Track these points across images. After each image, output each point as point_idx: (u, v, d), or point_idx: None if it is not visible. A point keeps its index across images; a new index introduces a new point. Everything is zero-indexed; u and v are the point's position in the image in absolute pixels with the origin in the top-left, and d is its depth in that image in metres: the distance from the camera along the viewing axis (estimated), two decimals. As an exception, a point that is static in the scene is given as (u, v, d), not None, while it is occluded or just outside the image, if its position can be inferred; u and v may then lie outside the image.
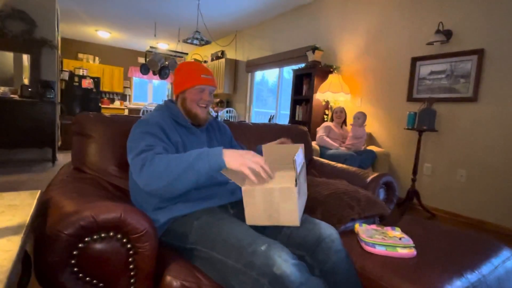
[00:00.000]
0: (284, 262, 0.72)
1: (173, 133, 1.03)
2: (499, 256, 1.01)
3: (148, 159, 0.87)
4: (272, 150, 1.06)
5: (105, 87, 7.28)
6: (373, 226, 1.10)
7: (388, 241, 0.96)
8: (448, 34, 2.64)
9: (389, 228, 1.08)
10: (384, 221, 1.41)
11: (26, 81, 3.80)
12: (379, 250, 0.95)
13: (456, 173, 2.64)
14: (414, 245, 0.96)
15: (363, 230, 1.06)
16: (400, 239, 0.98)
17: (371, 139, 3.32)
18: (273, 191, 0.82)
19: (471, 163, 2.55)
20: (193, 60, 7.03)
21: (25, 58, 3.79)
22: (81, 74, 6.26)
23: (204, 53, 7.02)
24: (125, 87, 7.83)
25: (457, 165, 2.64)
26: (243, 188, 0.85)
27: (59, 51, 4.80)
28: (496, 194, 2.40)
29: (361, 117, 3.00)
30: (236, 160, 0.81)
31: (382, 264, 0.88)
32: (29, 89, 3.67)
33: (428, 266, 0.87)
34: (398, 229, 1.07)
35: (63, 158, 4.10)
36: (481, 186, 2.49)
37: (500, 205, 2.37)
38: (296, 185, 0.81)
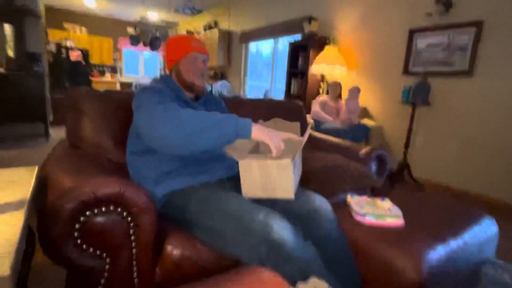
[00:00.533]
0: (282, 228, 0.76)
1: (175, 103, 1.03)
2: (480, 224, 1.07)
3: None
4: (270, 127, 1.07)
5: (94, 59, 7.02)
6: (364, 198, 1.14)
7: (378, 212, 1.01)
8: (447, 4, 2.57)
9: (379, 199, 1.13)
10: (375, 192, 1.47)
11: (10, 53, 3.64)
12: (369, 220, 1.00)
13: (447, 146, 2.70)
14: (402, 215, 1.01)
15: (355, 201, 1.10)
16: (389, 209, 1.03)
17: (365, 113, 3.34)
18: (270, 165, 0.85)
19: (462, 137, 2.60)
20: (184, 33, 6.77)
21: (7, 28, 3.60)
22: (68, 45, 6.00)
23: (196, 23, 6.74)
24: (115, 59, 7.57)
25: (448, 138, 2.69)
26: (240, 161, 0.87)
27: (44, 21, 4.56)
28: (485, 166, 2.48)
29: (355, 91, 3.00)
30: (263, 132, 0.84)
31: (371, 233, 0.94)
32: (15, 62, 3.54)
33: (415, 234, 0.92)
34: (387, 200, 1.12)
35: (57, 133, 4.05)
36: (471, 159, 2.56)
37: (488, 176, 2.46)
38: (292, 160, 0.84)
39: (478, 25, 2.42)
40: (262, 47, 5.37)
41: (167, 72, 1.16)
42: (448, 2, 2.57)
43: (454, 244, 0.91)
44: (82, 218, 0.74)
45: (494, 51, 2.38)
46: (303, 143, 0.91)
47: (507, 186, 2.35)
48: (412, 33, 2.86)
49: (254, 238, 0.76)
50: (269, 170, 0.86)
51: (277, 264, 0.74)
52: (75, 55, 5.84)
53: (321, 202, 0.96)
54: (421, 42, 2.82)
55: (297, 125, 1.06)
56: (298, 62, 3.77)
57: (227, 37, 5.71)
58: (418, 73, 2.75)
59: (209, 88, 5.34)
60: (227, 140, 0.84)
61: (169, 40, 1.13)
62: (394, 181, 2.77)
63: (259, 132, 0.84)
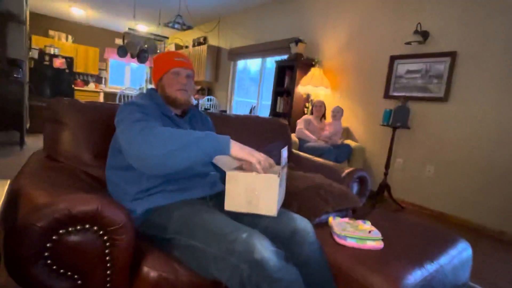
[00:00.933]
0: (264, 249, 0.75)
1: (158, 121, 1.02)
2: (456, 248, 1.10)
3: (149, 126, 0.86)
4: None
5: (78, 68, 6.90)
6: (346, 219, 1.15)
7: (359, 234, 1.02)
8: (425, 35, 2.74)
9: (360, 221, 1.14)
10: (356, 213, 1.49)
11: (-10, 58, 3.52)
12: (350, 242, 1.00)
13: (425, 168, 2.80)
14: (382, 238, 1.02)
15: (336, 223, 1.11)
16: (369, 232, 1.04)
17: (348, 133, 3.43)
18: (256, 178, 0.86)
19: (439, 159, 2.71)
20: (171, 48, 6.81)
21: (-11, 32, 3.50)
22: (52, 52, 5.89)
23: (185, 38, 6.82)
24: (100, 69, 7.46)
25: (426, 160, 2.80)
26: (228, 173, 0.87)
27: (28, 27, 4.47)
28: (459, 189, 2.58)
29: (339, 112, 3.08)
30: (243, 150, 0.86)
31: (352, 256, 0.94)
32: (-6, 67, 3.42)
33: (393, 258, 0.94)
34: (368, 222, 1.13)
35: (32, 142, 3.89)
36: (447, 181, 2.66)
37: (463, 199, 2.56)
38: (279, 176, 0.85)
39: (452, 55, 2.59)
40: (250, 64, 5.47)
41: (154, 85, 1.16)
42: (426, 33, 2.74)
43: (431, 268, 0.93)
44: (54, 237, 0.70)
45: (467, 80, 2.54)
46: (281, 169, 0.92)
47: (481, 208, 2.45)
48: (392, 59, 3.02)
49: (236, 258, 0.75)
50: (255, 184, 0.86)
51: (258, 285, 0.72)
52: (58, 63, 5.73)
53: (303, 224, 0.96)
54: (401, 68, 2.97)
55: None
56: (284, 80, 3.86)
57: (215, 53, 5.79)
58: (398, 97, 2.87)
59: (195, 102, 5.34)
60: (206, 158, 0.83)
61: (155, 57, 1.15)
62: (374, 201, 2.82)
63: (238, 149, 0.85)
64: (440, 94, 2.69)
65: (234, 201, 0.89)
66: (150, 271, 0.80)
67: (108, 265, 0.77)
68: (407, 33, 2.86)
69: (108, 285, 0.78)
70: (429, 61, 2.76)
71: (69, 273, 0.74)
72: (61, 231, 0.71)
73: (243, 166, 0.96)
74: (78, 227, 0.73)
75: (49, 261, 0.71)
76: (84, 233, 0.74)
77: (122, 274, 0.79)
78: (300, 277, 0.80)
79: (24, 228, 0.67)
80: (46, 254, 0.70)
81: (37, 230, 0.68)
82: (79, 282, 0.75)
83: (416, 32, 2.75)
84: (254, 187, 0.87)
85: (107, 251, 0.77)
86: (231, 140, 0.86)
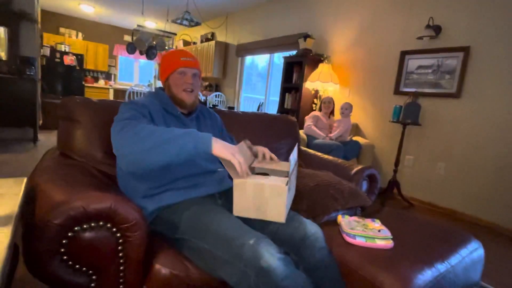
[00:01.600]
0: (271, 256, 0.75)
1: (159, 119, 1.03)
2: (467, 247, 1.09)
3: (131, 124, 0.87)
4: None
5: (88, 65, 6.99)
6: (355, 218, 1.15)
7: (368, 233, 1.02)
8: (437, 29, 2.68)
9: (369, 220, 1.14)
10: (365, 211, 1.48)
11: (3, 55, 3.60)
12: (359, 241, 1.00)
13: (436, 166, 2.76)
14: (391, 237, 1.01)
15: (345, 221, 1.11)
16: (379, 231, 1.04)
17: (357, 130, 3.39)
18: (264, 187, 0.86)
19: (450, 157, 2.66)
20: (179, 45, 6.82)
21: (2, 31, 3.58)
22: (63, 50, 5.97)
23: (193, 34, 6.82)
24: (110, 66, 7.54)
25: (437, 158, 2.75)
26: (235, 181, 0.87)
27: (39, 25, 4.54)
28: (471, 186, 2.54)
29: (347, 108, 3.05)
30: (227, 149, 0.85)
31: (361, 255, 0.94)
32: (7, 65, 3.49)
33: (403, 257, 0.93)
34: (377, 221, 1.13)
35: (45, 138, 3.97)
36: (458, 178, 2.62)
37: (475, 197, 2.52)
38: (287, 184, 0.84)
39: (465, 50, 2.53)
40: (258, 59, 5.45)
41: (161, 84, 1.17)
42: (438, 27, 2.68)
43: (441, 268, 0.92)
44: (70, 234, 0.72)
45: (480, 75, 2.48)
46: (290, 174, 0.92)
47: (493, 206, 2.40)
48: (403, 55, 2.96)
49: (243, 264, 0.75)
50: (263, 192, 0.86)
51: None
52: (69, 60, 5.81)
53: (313, 229, 0.96)
54: (412, 64, 2.92)
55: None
56: (292, 76, 3.84)
57: (223, 49, 5.78)
58: (409, 93, 2.83)
59: (203, 99, 5.36)
60: (187, 154, 0.83)
61: (163, 56, 1.15)
62: (384, 198, 2.79)
63: (221, 148, 0.84)
64: (452, 90, 2.63)
65: (242, 207, 0.90)
66: (161, 268, 0.82)
67: (121, 261, 0.80)
68: (418, 28, 2.80)
69: (121, 280, 0.80)
70: (441, 56, 2.70)
71: (84, 268, 0.76)
72: (76, 228, 0.73)
73: (253, 165, 0.96)
74: (93, 224, 0.75)
75: (65, 257, 0.73)
76: (98, 230, 0.76)
77: (134, 270, 0.81)
78: (308, 283, 0.80)
79: (41, 225, 0.70)
80: (62, 250, 0.72)
81: (54, 227, 0.70)
82: (94, 277, 0.78)
83: (428, 26, 2.68)
84: (262, 195, 0.86)
85: (120, 247, 0.79)
86: (214, 138, 0.85)
